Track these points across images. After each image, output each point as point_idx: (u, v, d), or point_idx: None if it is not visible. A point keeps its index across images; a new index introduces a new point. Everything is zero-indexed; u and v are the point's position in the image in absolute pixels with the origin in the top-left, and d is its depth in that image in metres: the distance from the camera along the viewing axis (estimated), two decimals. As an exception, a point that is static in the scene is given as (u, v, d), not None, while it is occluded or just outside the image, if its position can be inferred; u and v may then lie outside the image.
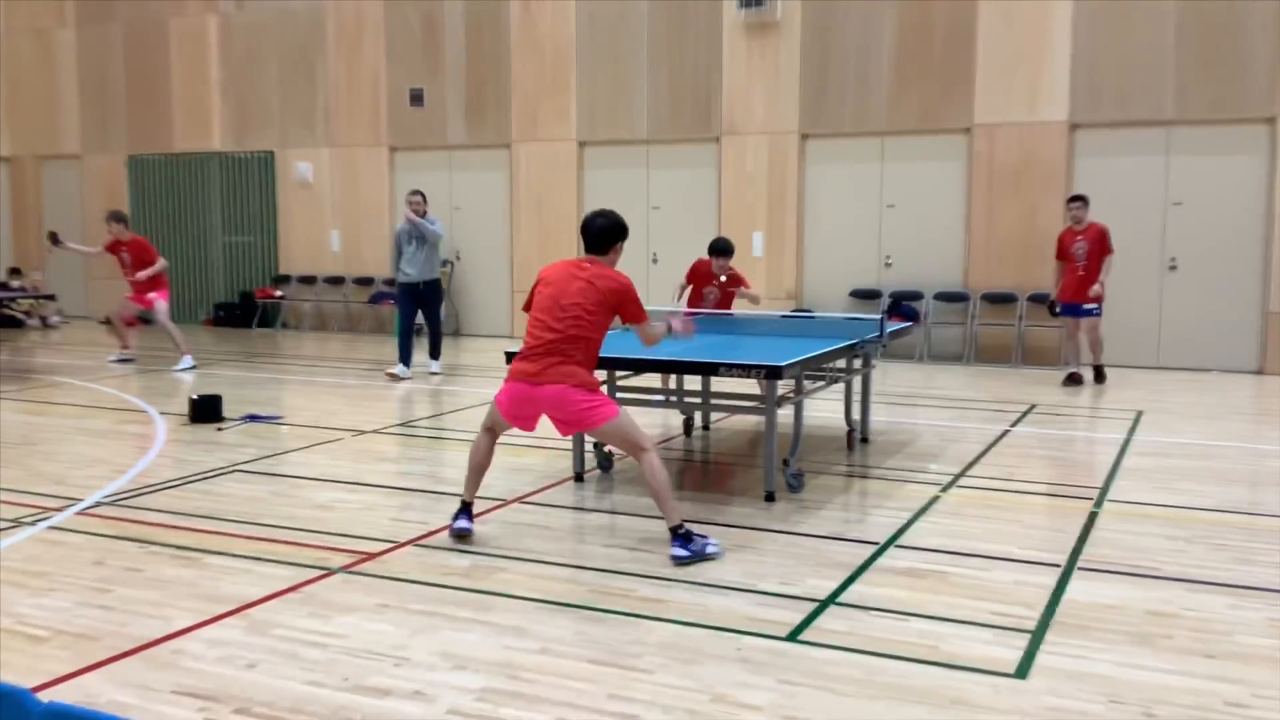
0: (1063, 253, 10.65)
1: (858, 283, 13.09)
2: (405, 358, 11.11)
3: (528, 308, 5.23)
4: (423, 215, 10.85)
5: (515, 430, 5.30)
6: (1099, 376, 10.65)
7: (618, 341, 7.05)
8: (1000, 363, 12.35)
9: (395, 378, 10.84)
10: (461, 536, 5.22)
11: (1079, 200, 10.58)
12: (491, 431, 5.32)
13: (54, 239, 12.25)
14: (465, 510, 5.29)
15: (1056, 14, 11.85)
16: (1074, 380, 10.60)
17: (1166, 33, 11.47)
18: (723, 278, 8.69)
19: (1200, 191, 11.61)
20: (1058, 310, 10.75)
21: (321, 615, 4.26)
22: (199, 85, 16.64)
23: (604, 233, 5.18)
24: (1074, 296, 10.52)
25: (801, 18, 12.90)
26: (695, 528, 5.11)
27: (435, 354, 11.42)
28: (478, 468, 5.32)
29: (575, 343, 4.98)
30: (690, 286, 8.80)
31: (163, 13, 16.78)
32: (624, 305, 5.10)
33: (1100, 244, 10.41)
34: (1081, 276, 10.44)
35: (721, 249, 8.55)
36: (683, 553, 4.86)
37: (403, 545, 5.21)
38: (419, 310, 11.22)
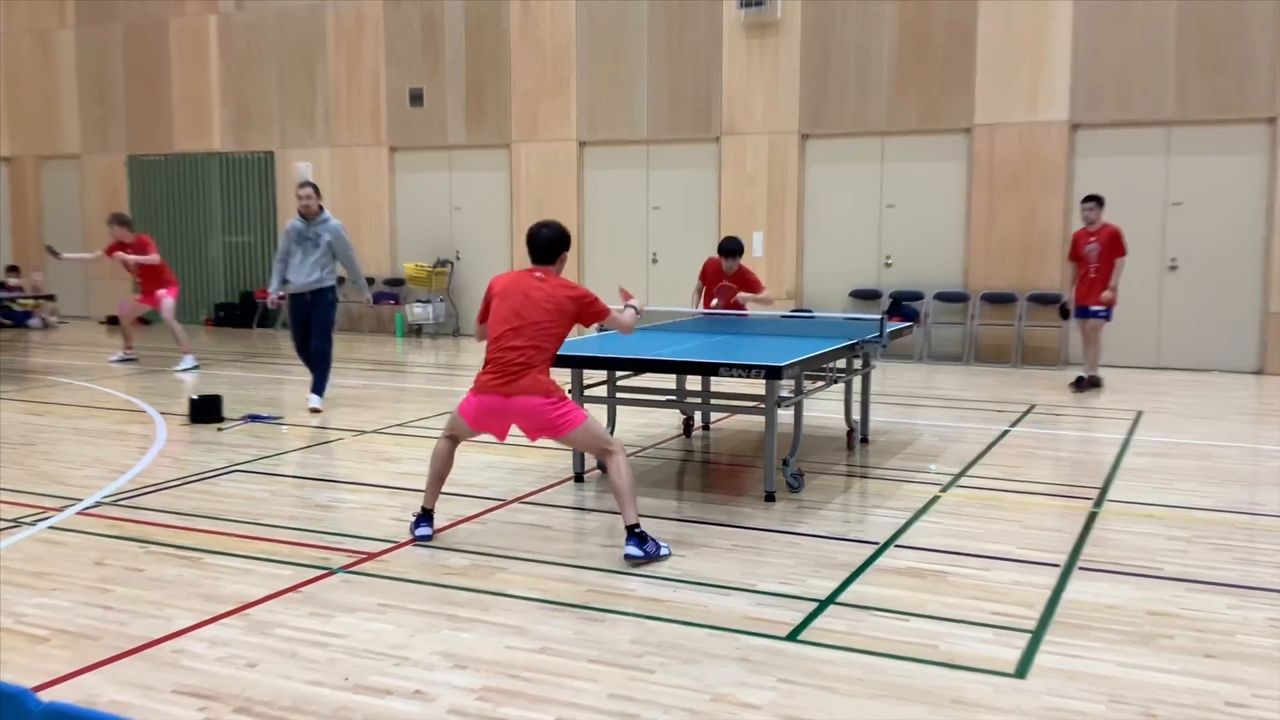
0: (1075, 253, 10.43)
1: (858, 283, 13.09)
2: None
3: (482, 318, 5.36)
4: (317, 213, 8.97)
5: (516, 431, 5.30)
6: (1093, 383, 10.36)
7: (619, 341, 7.05)
8: (1000, 363, 12.35)
9: (316, 411, 8.98)
10: (423, 543, 5.25)
11: (1092, 201, 10.28)
12: (453, 439, 5.39)
13: (52, 253, 12.26)
14: (426, 517, 5.33)
15: (1056, 14, 11.86)
16: (1094, 384, 10.37)
17: (1166, 33, 11.47)
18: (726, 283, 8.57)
19: (1200, 191, 11.61)
20: (1072, 313, 10.48)
21: (321, 615, 4.26)
22: (199, 85, 16.65)
23: (550, 244, 5.31)
24: (1084, 299, 10.31)
25: (801, 18, 12.91)
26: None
27: (319, 387, 9.19)
28: (439, 475, 5.38)
29: (540, 352, 5.10)
30: (704, 287, 8.68)
31: (163, 13, 16.79)
32: (586, 311, 5.26)
33: (1112, 246, 10.17)
34: (1092, 279, 10.21)
35: (731, 249, 8.39)
36: (637, 552, 4.92)
37: (403, 545, 5.21)
38: (310, 324, 9.25)
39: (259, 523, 5.60)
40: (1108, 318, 10.34)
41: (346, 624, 4.16)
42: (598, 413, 7.06)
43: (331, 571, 4.80)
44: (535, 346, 5.08)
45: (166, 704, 3.47)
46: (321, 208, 9.00)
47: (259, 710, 3.43)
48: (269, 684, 3.62)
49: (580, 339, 7.70)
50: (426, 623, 4.18)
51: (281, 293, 9.31)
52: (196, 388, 10.19)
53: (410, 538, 5.28)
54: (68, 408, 9.20)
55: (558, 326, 5.16)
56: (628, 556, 4.92)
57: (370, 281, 13.96)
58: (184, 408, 8.73)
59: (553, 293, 5.16)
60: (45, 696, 2.73)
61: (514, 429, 5.27)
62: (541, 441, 5.36)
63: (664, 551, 5.02)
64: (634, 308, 5.69)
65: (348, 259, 9.15)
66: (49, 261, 17.88)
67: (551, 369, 5.22)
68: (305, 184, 8.98)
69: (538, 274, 5.25)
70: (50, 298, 15.97)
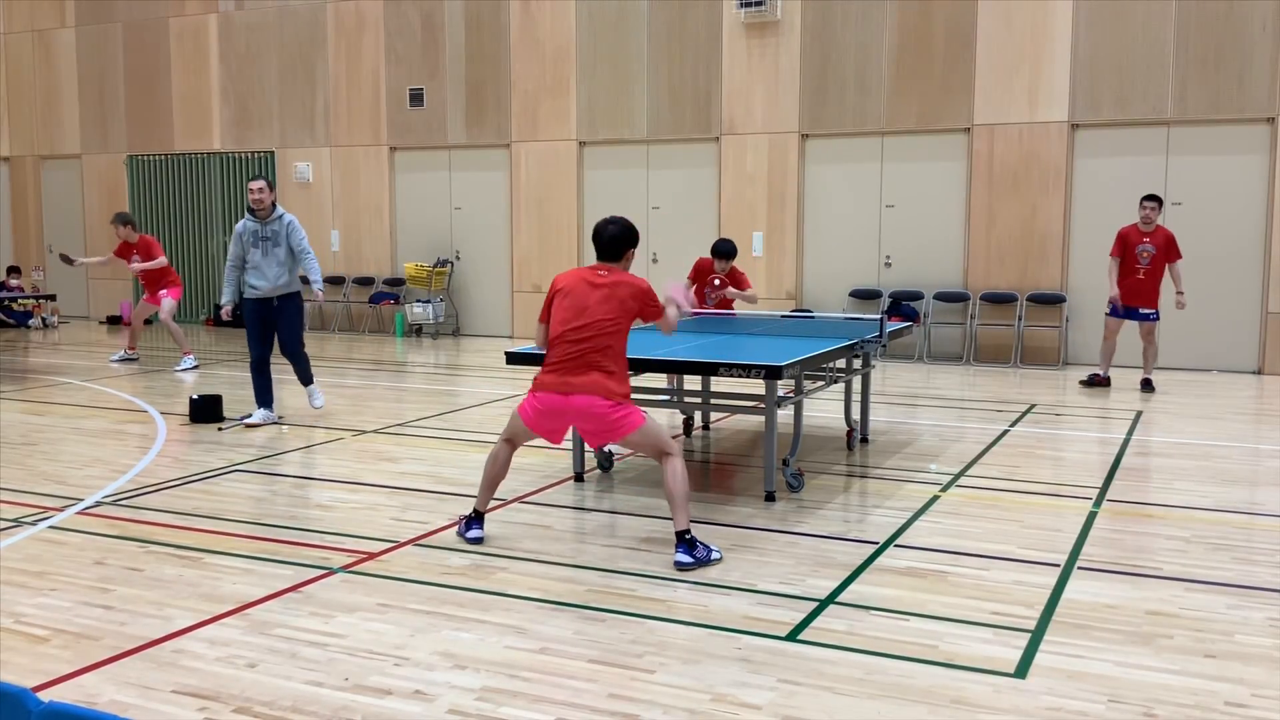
0: (1125, 251, 10.10)
1: (857, 283, 13.09)
2: (262, 397, 8.45)
3: (545, 319, 5.23)
4: (270, 209, 8.29)
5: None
6: (1147, 386, 10.21)
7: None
8: (1000, 363, 12.35)
9: (253, 426, 8.27)
10: (475, 544, 5.23)
11: (1153, 200, 10.06)
12: (511, 443, 5.32)
13: (66, 260, 12.32)
14: (478, 519, 5.28)
15: (1056, 14, 11.86)
16: (1097, 382, 10.32)
17: (1166, 33, 11.47)
18: (717, 281, 8.70)
19: (1200, 191, 11.61)
20: (1115, 311, 10.19)
21: (322, 615, 4.26)
22: (199, 85, 16.65)
23: (616, 240, 5.19)
24: (1132, 300, 10.10)
25: (801, 18, 12.91)
26: (699, 533, 5.12)
27: (306, 379, 8.81)
28: (493, 479, 5.31)
29: (603, 352, 4.99)
30: (694, 285, 8.78)
31: (163, 13, 16.79)
32: (645, 307, 5.15)
33: (1169, 250, 10.02)
34: (1141, 280, 10.05)
35: (724, 252, 8.54)
36: (687, 559, 4.85)
37: (403, 545, 5.21)
38: (273, 334, 8.47)
39: (259, 523, 5.60)
40: (1157, 319, 10.21)
41: (346, 624, 4.16)
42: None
43: (331, 571, 4.80)
44: (597, 345, 4.97)
45: (166, 704, 3.47)
46: (274, 203, 8.37)
47: (259, 710, 3.43)
48: (269, 684, 3.62)
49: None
50: (426, 623, 4.19)
51: (231, 304, 8.59)
52: (196, 387, 10.19)
53: (408, 537, 5.27)
54: (68, 408, 9.20)
55: (618, 323, 5.03)
56: (678, 564, 4.84)
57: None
58: (184, 407, 8.73)
59: (614, 290, 5.05)
60: (45, 696, 2.73)
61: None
62: (541, 441, 5.35)
63: (715, 556, 4.94)
64: (677, 304, 5.48)
65: (307, 256, 8.40)
66: (49, 261, 17.91)
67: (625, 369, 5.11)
68: (257, 178, 8.36)
69: (601, 271, 5.14)
70: (50, 298, 15.97)
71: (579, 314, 5.02)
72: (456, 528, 5.35)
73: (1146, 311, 10.17)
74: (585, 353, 4.96)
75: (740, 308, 8.95)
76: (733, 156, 13.46)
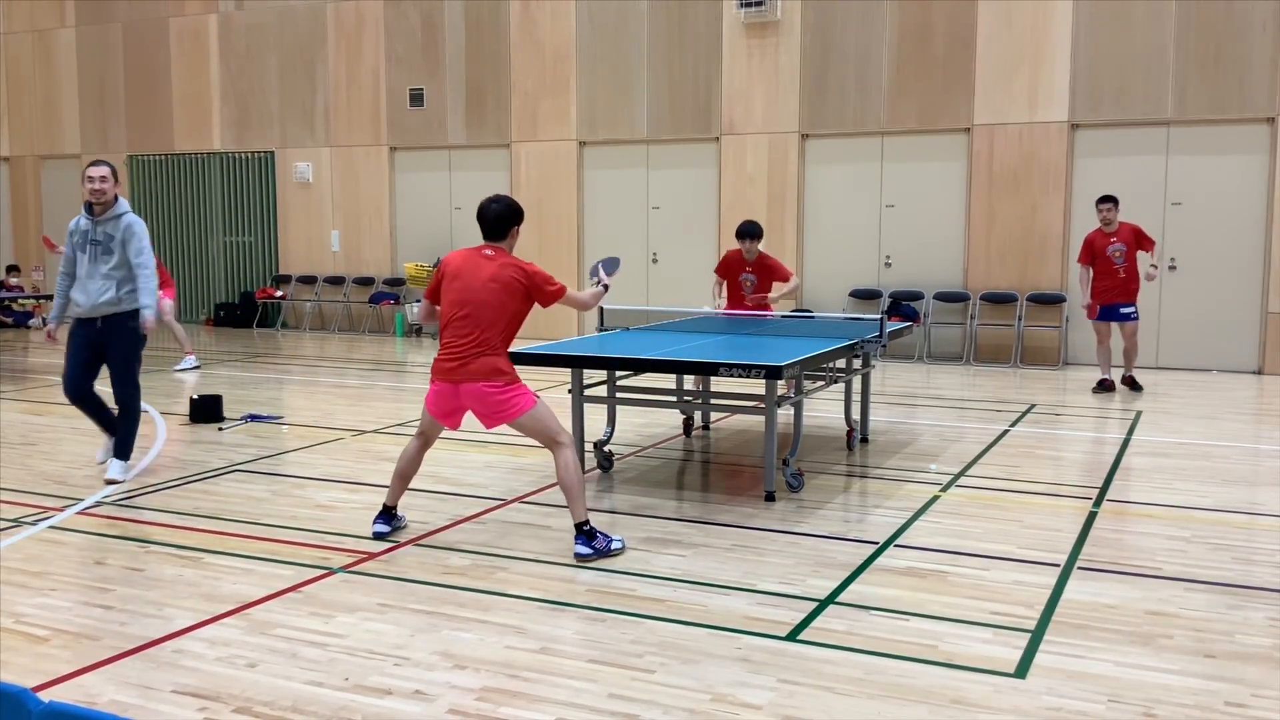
0: (1094, 256, 10.12)
1: (858, 283, 13.09)
2: (107, 424, 6.71)
3: (429, 296, 5.24)
4: (111, 203, 6.32)
5: (510, 430, 5.30)
6: (1134, 385, 10.20)
7: (619, 341, 7.05)
8: (1000, 363, 12.35)
9: (114, 482, 6.46)
10: (379, 539, 5.25)
11: (1109, 201, 10.07)
12: (424, 437, 5.33)
13: (49, 244, 12.22)
14: (386, 514, 5.32)
15: (1056, 14, 11.86)
16: (1105, 387, 10.22)
17: (1166, 33, 11.47)
18: (750, 279, 8.19)
19: (1200, 191, 11.61)
20: (1099, 315, 10.18)
21: (322, 615, 4.26)
22: (199, 85, 16.65)
23: (500, 219, 5.16)
24: (1115, 297, 10.06)
25: (801, 18, 12.91)
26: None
27: (121, 447, 6.57)
28: (403, 474, 5.33)
29: (490, 331, 4.98)
30: (725, 281, 8.30)
31: (163, 13, 16.79)
32: (536, 289, 5.11)
33: (1139, 242, 9.99)
34: (1123, 279, 10.02)
35: (748, 232, 7.98)
36: (586, 550, 4.90)
37: (403, 545, 5.21)
38: (101, 362, 6.52)
39: (259, 523, 5.60)
40: (1136, 318, 10.12)
41: (346, 624, 4.16)
42: (597, 413, 7.08)
43: (331, 571, 4.80)
44: (485, 329, 4.97)
45: (166, 704, 3.47)
46: (118, 197, 6.38)
47: (259, 710, 3.43)
48: (269, 684, 3.62)
49: (580, 339, 7.71)
50: (426, 623, 4.18)
51: (57, 323, 6.69)
52: (196, 387, 10.19)
53: (408, 537, 5.27)
54: (68, 408, 9.16)
55: (508, 306, 5.02)
56: (578, 555, 4.90)
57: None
58: (184, 407, 8.73)
59: (500, 271, 5.03)
60: (45, 696, 2.73)
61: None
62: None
63: (615, 545, 4.99)
64: (601, 281, 5.49)
65: (142, 271, 6.31)
66: (50, 260, 17.91)
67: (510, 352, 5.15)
68: (98, 163, 6.37)
69: (487, 251, 5.12)
70: (50, 297, 15.95)
71: (466, 298, 5.01)
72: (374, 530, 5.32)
73: (1126, 310, 10.09)
74: (474, 335, 4.96)
75: (781, 306, 8.35)
76: (733, 157, 13.46)
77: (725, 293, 8.34)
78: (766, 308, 8.20)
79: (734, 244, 8.19)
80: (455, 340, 5.00)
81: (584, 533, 4.95)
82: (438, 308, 5.18)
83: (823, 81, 12.93)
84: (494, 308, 4.99)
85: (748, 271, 8.13)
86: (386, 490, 5.43)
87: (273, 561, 4.95)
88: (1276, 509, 6.01)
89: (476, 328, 4.97)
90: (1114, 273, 10.08)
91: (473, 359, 4.96)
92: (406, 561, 4.98)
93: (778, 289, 8.24)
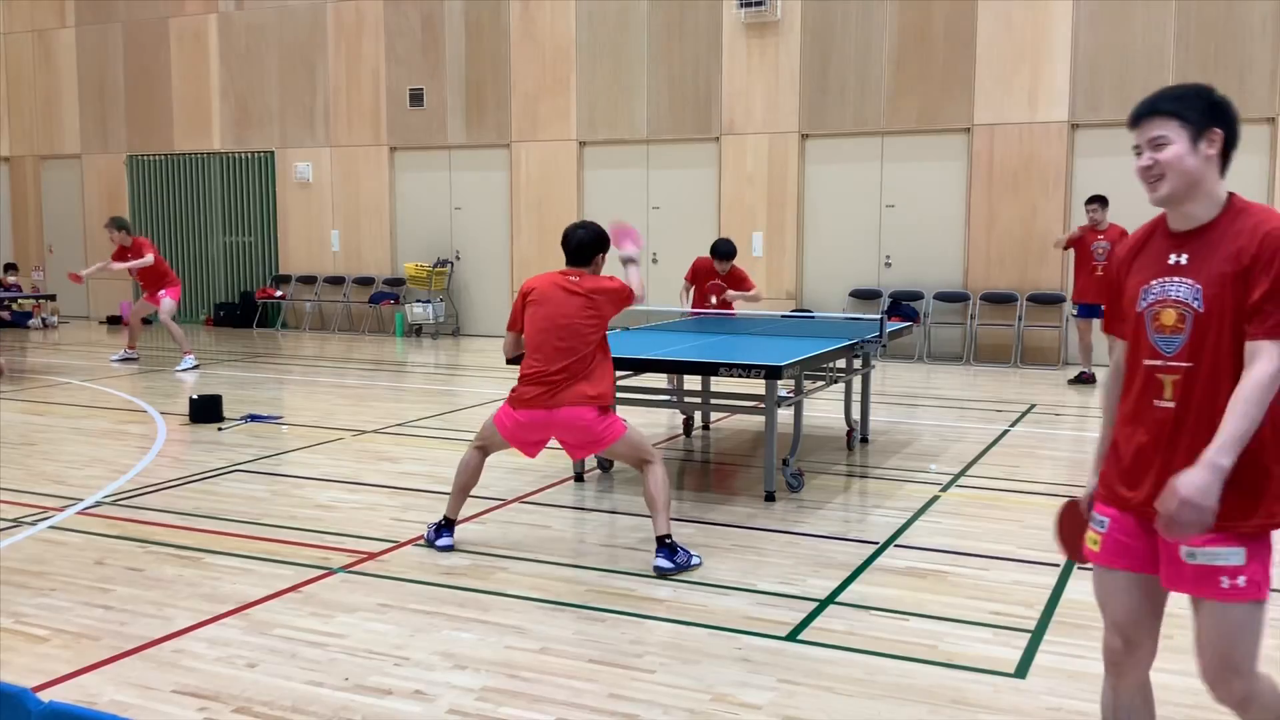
0: (1080, 250, 10.33)
1: (858, 283, 13.09)
2: None
3: (515, 326, 5.15)
4: None
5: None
6: (1086, 379, 10.52)
7: (618, 341, 7.05)
8: (1000, 363, 12.35)
9: None
10: (446, 551, 5.14)
11: (1096, 202, 10.23)
12: (483, 450, 5.22)
13: (76, 279, 12.16)
14: (449, 527, 5.19)
15: (1056, 14, 11.86)
16: (1084, 379, 10.49)
17: (1166, 33, 11.47)
18: (719, 284, 8.61)
19: (1200, 191, 11.60)
20: (1075, 312, 10.37)
21: (321, 615, 4.26)
22: (199, 85, 16.65)
23: (584, 245, 5.12)
24: (1094, 297, 10.15)
25: (801, 18, 12.91)
26: (683, 538, 5.10)
27: None
28: (464, 487, 5.22)
29: (585, 362, 4.93)
30: (693, 286, 8.67)
31: (163, 13, 16.79)
32: (621, 304, 5.12)
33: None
34: (1100, 277, 10.03)
35: (724, 253, 8.39)
36: (667, 564, 4.79)
37: (403, 545, 5.21)
38: None
39: (259, 523, 5.60)
40: None
41: (346, 624, 4.16)
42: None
43: (331, 571, 4.80)
44: (580, 354, 4.91)
45: (166, 704, 3.47)
46: None
47: (259, 710, 3.43)
48: (269, 684, 3.62)
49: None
50: (426, 623, 4.19)
51: None
52: (196, 387, 10.19)
53: (408, 537, 5.27)
54: (68, 408, 9.20)
55: (598, 330, 5.00)
56: (657, 569, 4.79)
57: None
58: (184, 407, 8.73)
59: (590, 296, 4.99)
60: (45, 696, 2.73)
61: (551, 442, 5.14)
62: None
63: (695, 561, 4.89)
64: (632, 258, 5.43)
65: None
66: (50, 260, 17.93)
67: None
68: None
69: (572, 277, 5.06)
70: (50, 297, 15.98)
71: (558, 323, 4.93)
72: (425, 535, 5.24)
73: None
74: (569, 364, 4.89)
75: (741, 307, 8.90)
76: (732, 156, 13.46)
77: (692, 298, 8.75)
78: (729, 306, 8.65)
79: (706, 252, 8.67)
80: (550, 365, 4.90)
81: (666, 546, 4.83)
82: (523, 336, 5.10)
83: (823, 81, 12.93)
84: (585, 333, 4.93)
85: (717, 280, 8.61)
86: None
87: (273, 561, 4.95)
88: (1276, 509, 6.00)
89: (573, 354, 4.90)
90: (1094, 270, 10.21)
91: (569, 385, 4.88)
92: (406, 561, 4.98)
93: (740, 294, 8.69)
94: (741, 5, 12.97)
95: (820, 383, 7.30)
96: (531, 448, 5.14)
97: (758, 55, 13.19)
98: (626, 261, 5.47)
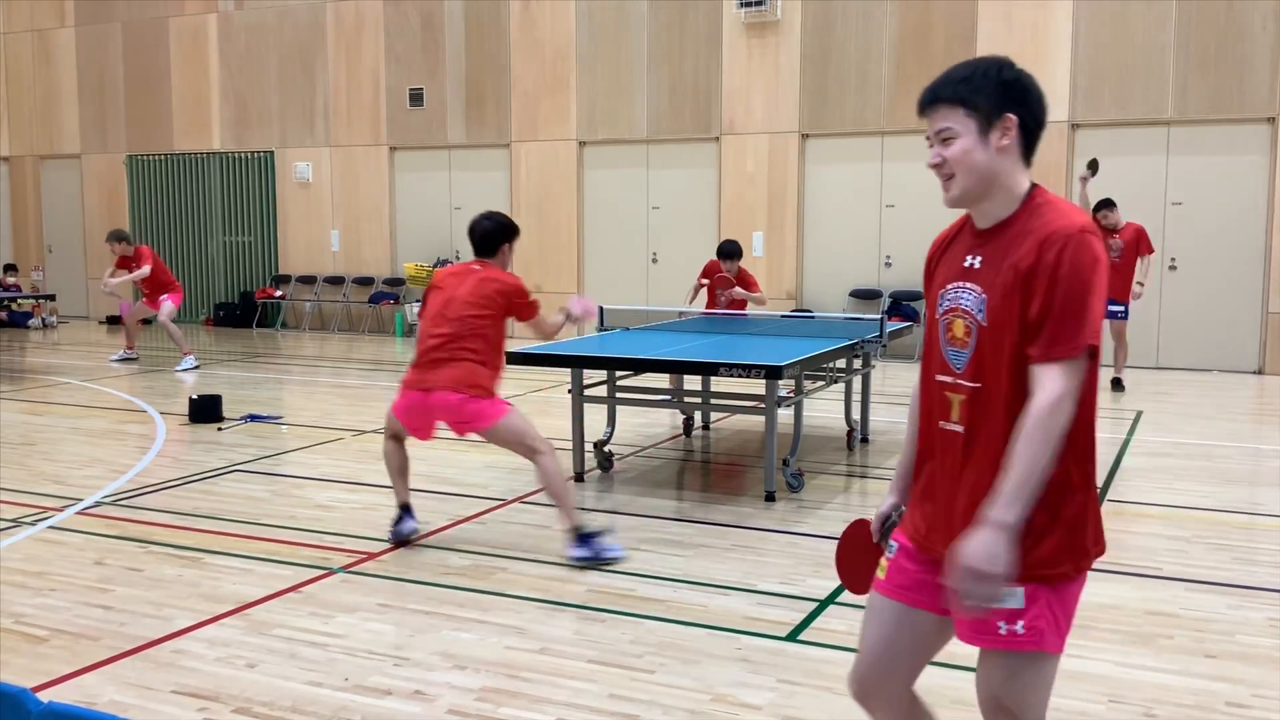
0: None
1: (858, 283, 13.09)
2: None
3: (421, 315, 5.24)
4: None
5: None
6: (1117, 385, 10.14)
7: (618, 341, 7.06)
8: (1000, 363, 12.33)
9: None
10: (407, 539, 5.18)
11: (1105, 207, 10.04)
12: (397, 438, 5.30)
13: (115, 295, 12.31)
14: (406, 511, 5.23)
15: (1056, 14, 11.86)
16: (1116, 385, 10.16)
17: (1166, 33, 11.47)
18: (733, 285, 8.84)
19: (1200, 191, 11.61)
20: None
21: (321, 615, 4.26)
22: (199, 85, 16.65)
23: (489, 235, 5.22)
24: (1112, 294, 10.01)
25: (801, 18, 12.91)
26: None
27: None
28: (399, 470, 5.28)
29: (464, 340, 4.94)
30: (706, 284, 8.95)
31: (163, 12, 16.78)
32: (514, 305, 5.12)
33: (1138, 243, 9.98)
34: (1110, 276, 10.05)
35: (729, 252, 8.66)
36: (580, 553, 4.85)
37: (402, 545, 5.20)
38: None
39: (259, 523, 5.60)
40: (1125, 317, 10.12)
41: (346, 624, 4.16)
42: (597, 413, 7.07)
43: (331, 571, 4.80)
44: (460, 341, 4.94)
45: (166, 704, 3.47)
46: None
47: (259, 710, 3.43)
48: (269, 684, 3.62)
49: (580, 339, 7.71)
50: (426, 623, 4.18)
51: None
52: (196, 387, 10.19)
53: (395, 540, 5.26)
54: (68, 408, 9.20)
55: (485, 320, 5.00)
56: (571, 558, 4.84)
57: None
58: (184, 407, 8.72)
59: (480, 285, 5.04)
60: (45, 696, 2.73)
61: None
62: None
63: (611, 554, 4.87)
64: (568, 311, 5.42)
65: None
66: (50, 260, 17.93)
67: (498, 368, 5.08)
68: None
69: (475, 266, 5.19)
70: (50, 297, 15.98)
71: (444, 309, 5.02)
72: (389, 536, 5.22)
73: (1115, 309, 10.01)
74: (447, 346, 4.94)
75: (748, 307, 9.02)
76: (733, 156, 13.46)
77: (705, 297, 9.04)
78: (742, 305, 8.84)
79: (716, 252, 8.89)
80: (431, 348, 4.98)
81: (578, 537, 4.89)
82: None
83: (823, 81, 12.93)
84: (470, 321, 4.97)
85: (725, 284, 8.84)
86: (392, 492, 5.39)
87: (272, 561, 4.95)
88: (1276, 509, 6.00)
89: (451, 339, 4.94)
90: (1111, 266, 10.08)
91: (445, 369, 4.91)
92: (406, 561, 4.98)
93: (747, 294, 8.89)
94: (741, 5, 12.97)
95: (820, 383, 7.30)
96: (422, 431, 5.17)
97: (758, 55, 13.19)
98: (567, 315, 5.42)
